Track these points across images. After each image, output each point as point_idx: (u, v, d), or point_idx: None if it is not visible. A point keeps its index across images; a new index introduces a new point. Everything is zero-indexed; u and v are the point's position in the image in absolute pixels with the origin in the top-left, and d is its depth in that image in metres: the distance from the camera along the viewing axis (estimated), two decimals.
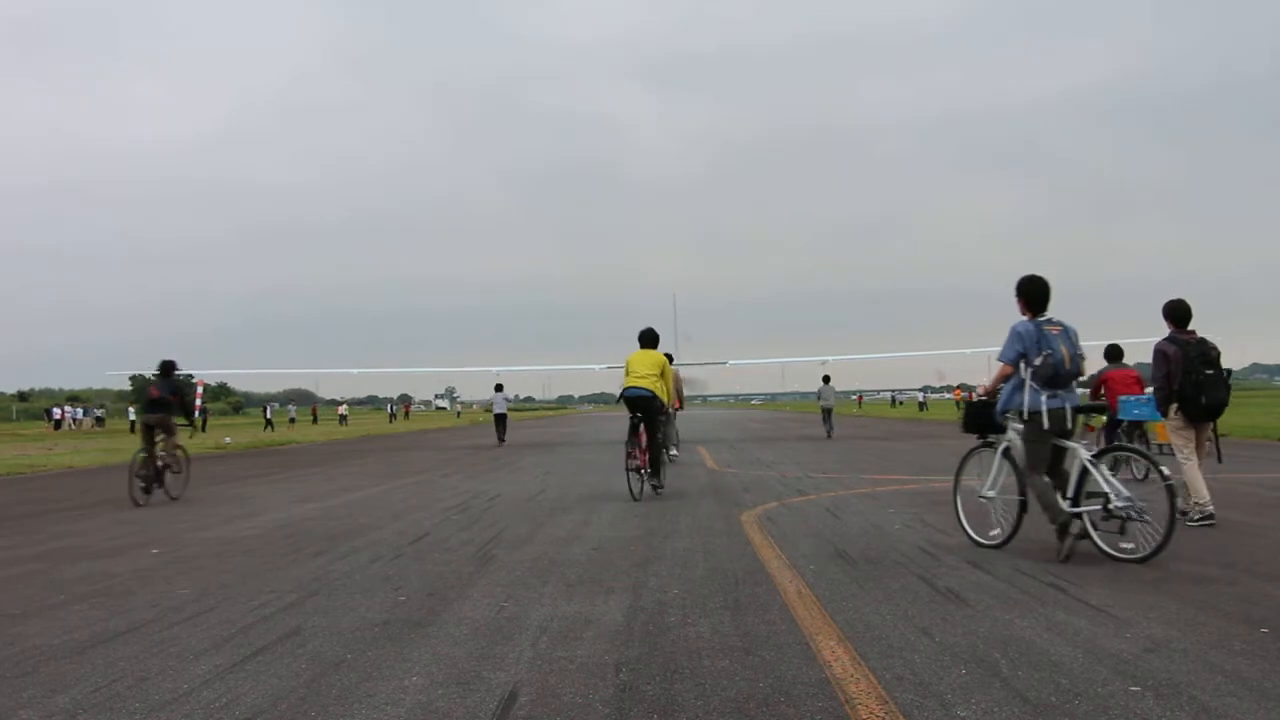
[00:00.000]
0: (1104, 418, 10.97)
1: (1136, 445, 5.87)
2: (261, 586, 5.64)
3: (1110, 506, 5.66)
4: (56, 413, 58.58)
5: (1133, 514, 5.60)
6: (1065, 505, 5.88)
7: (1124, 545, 5.71)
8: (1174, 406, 7.46)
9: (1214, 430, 7.69)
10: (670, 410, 11.18)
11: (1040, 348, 5.94)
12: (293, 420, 54.20)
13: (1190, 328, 7.50)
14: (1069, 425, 5.99)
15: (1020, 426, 6.10)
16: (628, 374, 10.32)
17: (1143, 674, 3.50)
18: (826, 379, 26.94)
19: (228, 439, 31.20)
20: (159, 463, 11.30)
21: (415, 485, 12.85)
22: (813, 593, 5.01)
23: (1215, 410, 7.38)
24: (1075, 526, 5.86)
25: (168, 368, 11.85)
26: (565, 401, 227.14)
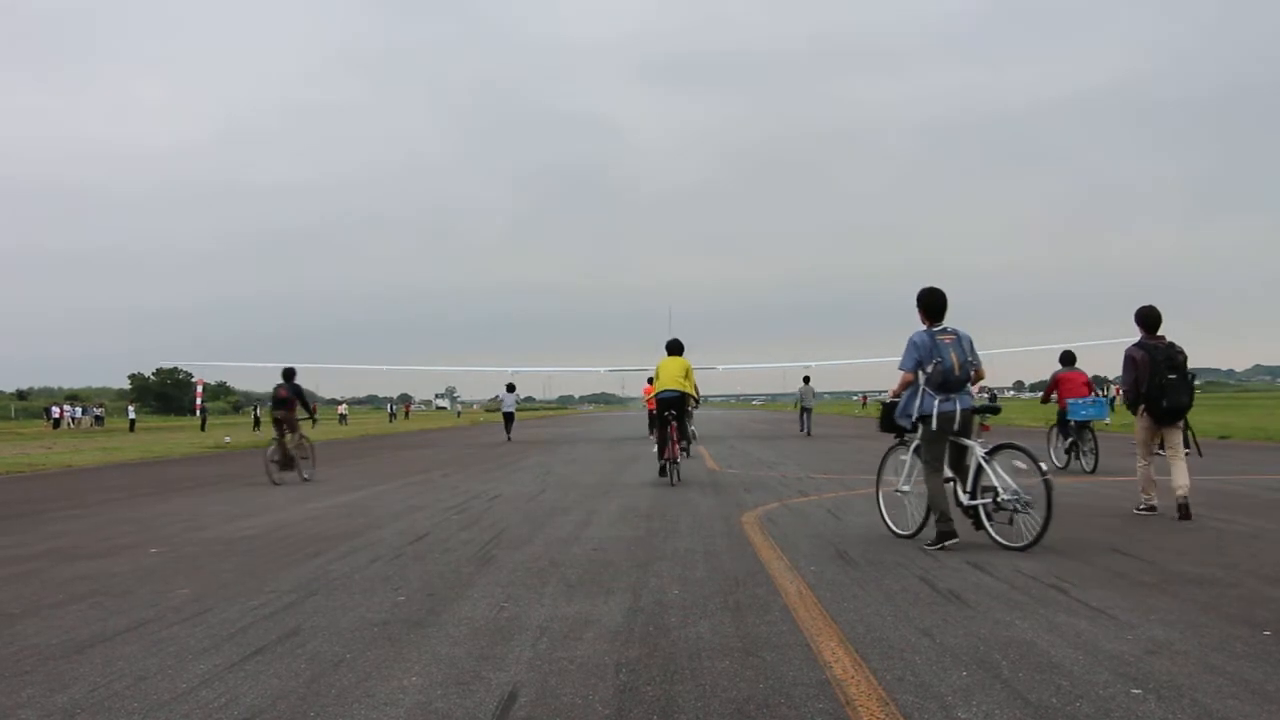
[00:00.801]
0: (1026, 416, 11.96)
1: (1021, 443, 6.50)
2: (260, 586, 5.64)
3: (999, 499, 6.30)
4: (55, 411, 58.62)
5: (1018, 506, 6.22)
6: (964, 499, 6.53)
7: (1005, 532, 6.32)
8: (1141, 408, 7.94)
9: (1188, 429, 8.08)
10: (691, 406, 13.04)
11: (932, 356, 6.53)
12: None
13: (1160, 333, 7.95)
14: (957, 426, 6.55)
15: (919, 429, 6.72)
16: (658, 378, 12.31)
17: (1144, 676, 3.49)
18: (807, 379, 29.47)
19: (228, 438, 31.17)
20: (288, 450, 13.53)
21: (415, 485, 12.86)
22: (813, 594, 5.01)
23: (1177, 412, 7.84)
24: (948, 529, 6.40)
25: (289, 373, 14.31)
26: (566, 401, 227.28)
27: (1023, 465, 6.28)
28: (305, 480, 13.50)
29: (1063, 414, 12.90)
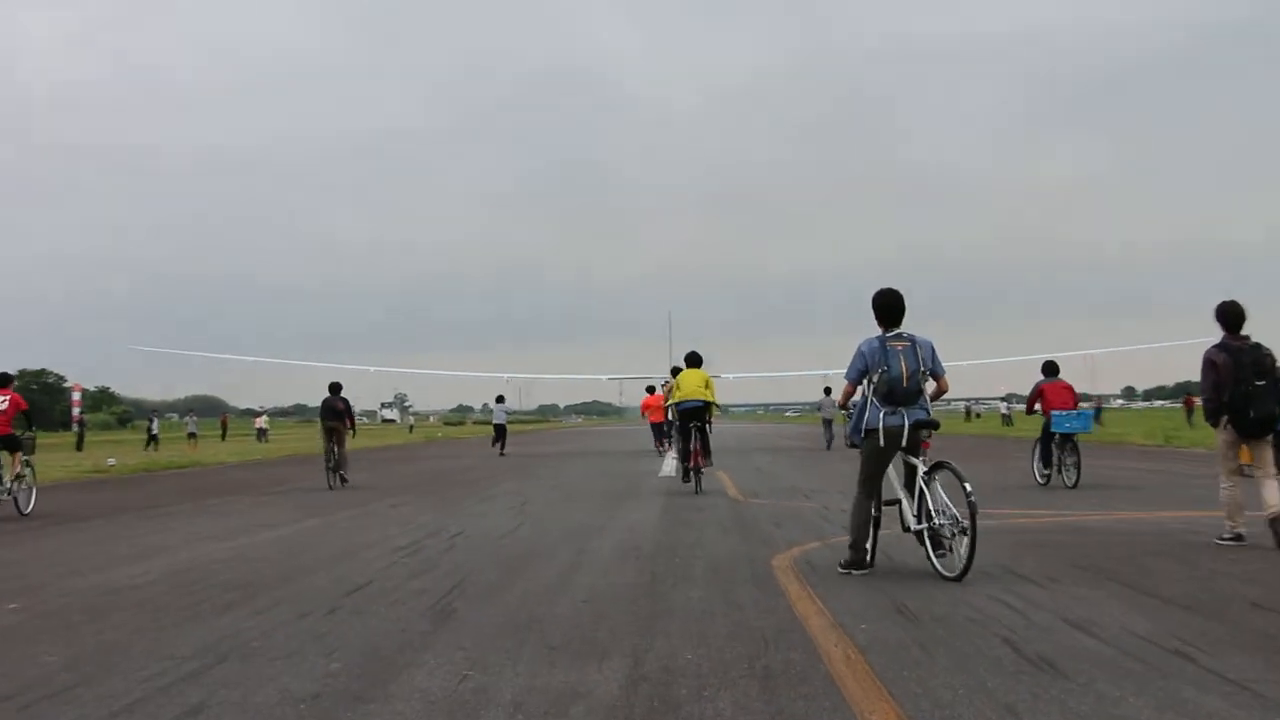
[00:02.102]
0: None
1: (953, 463, 7.31)
2: (154, 650, 5.63)
3: (934, 523, 7.19)
4: None
5: (953, 531, 7.04)
6: (911, 522, 7.42)
7: (946, 561, 7.18)
8: (1224, 419, 8.53)
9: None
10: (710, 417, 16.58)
11: (879, 365, 7.33)
12: (192, 435, 53.41)
13: (1244, 332, 8.50)
14: (905, 442, 7.37)
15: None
16: (679, 389, 16.14)
17: None
18: (828, 391, 34.12)
19: (111, 460, 31.14)
20: (337, 457, 18.55)
21: (353, 519, 12.88)
22: (865, 659, 5.01)
23: (1266, 424, 8.45)
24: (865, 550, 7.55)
25: (337, 386, 19.77)
26: (548, 412, 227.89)
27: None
28: (345, 485, 18.38)
29: (1047, 426, 15.27)
